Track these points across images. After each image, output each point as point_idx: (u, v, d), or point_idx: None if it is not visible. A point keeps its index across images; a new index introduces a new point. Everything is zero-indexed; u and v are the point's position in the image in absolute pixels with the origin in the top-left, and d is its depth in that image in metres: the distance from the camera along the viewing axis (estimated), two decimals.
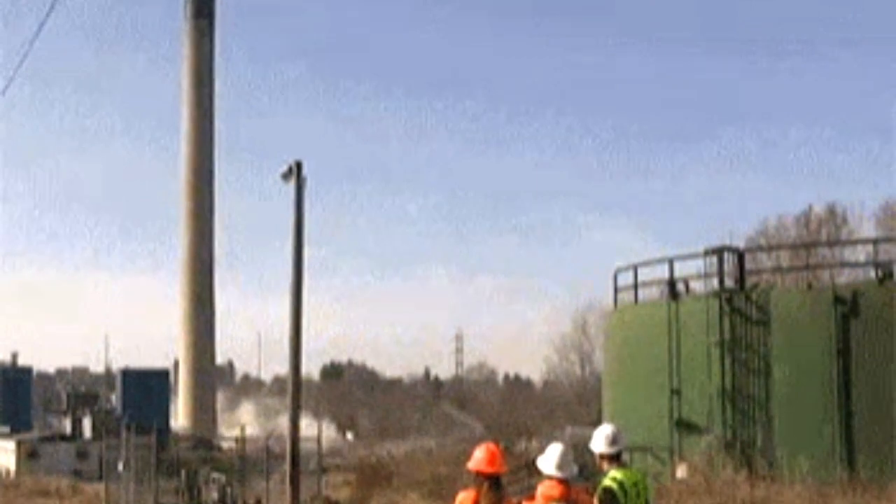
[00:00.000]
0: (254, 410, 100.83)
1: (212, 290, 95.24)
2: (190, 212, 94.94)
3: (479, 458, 9.32)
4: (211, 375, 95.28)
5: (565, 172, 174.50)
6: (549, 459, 9.48)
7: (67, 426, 69.60)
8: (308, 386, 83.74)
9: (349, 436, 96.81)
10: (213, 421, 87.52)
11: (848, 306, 31.64)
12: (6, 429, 71.87)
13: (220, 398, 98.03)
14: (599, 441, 10.27)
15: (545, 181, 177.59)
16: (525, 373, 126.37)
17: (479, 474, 9.27)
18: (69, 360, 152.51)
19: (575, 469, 9.57)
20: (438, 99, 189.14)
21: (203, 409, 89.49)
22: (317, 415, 79.65)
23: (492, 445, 9.55)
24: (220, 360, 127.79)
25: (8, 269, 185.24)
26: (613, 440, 10.26)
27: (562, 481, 9.40)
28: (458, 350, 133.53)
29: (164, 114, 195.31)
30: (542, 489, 9.41)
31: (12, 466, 63.16)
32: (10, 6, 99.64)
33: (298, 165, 30.32)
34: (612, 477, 9.99)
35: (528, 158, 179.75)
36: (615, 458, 10.22)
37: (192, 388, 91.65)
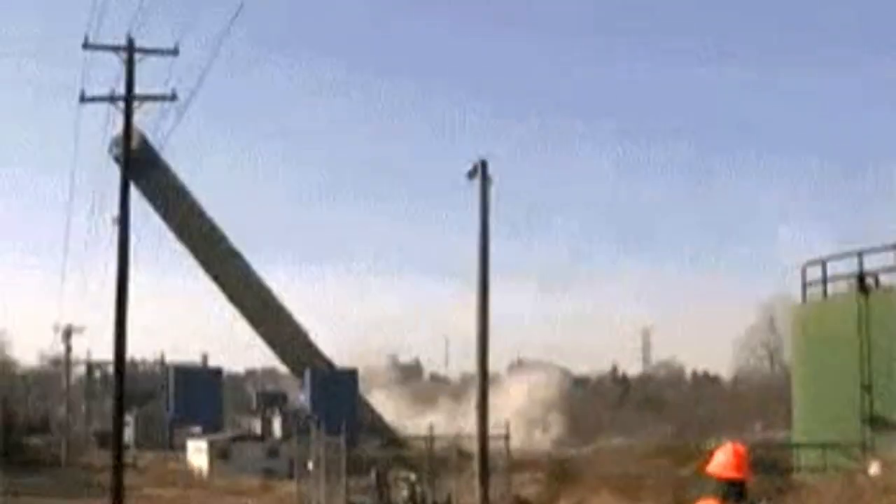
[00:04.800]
0: (441, 409, 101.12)
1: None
2: None
3: (721, 461, 7.97)
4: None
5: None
6: None
7: (257, 426, 70.96)
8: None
9: (538, 434, 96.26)
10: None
11: None
12: (198, 429, 73.41)
13: (408, 396, 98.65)
14: None
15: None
16: (713, 369, 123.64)
17: (720, 480, 7.93)
18: (258, 361, 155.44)
19: None
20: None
21: None
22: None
23: (739, 447, 8.11)
24: (406, 359, 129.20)
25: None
26: None
27: None
28: (645, 346, 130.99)
29: None
30: None
31: (205, 466, 64.45)
32: None
33: (483, 164, 30.07)
34: None
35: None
36: None
37: None
